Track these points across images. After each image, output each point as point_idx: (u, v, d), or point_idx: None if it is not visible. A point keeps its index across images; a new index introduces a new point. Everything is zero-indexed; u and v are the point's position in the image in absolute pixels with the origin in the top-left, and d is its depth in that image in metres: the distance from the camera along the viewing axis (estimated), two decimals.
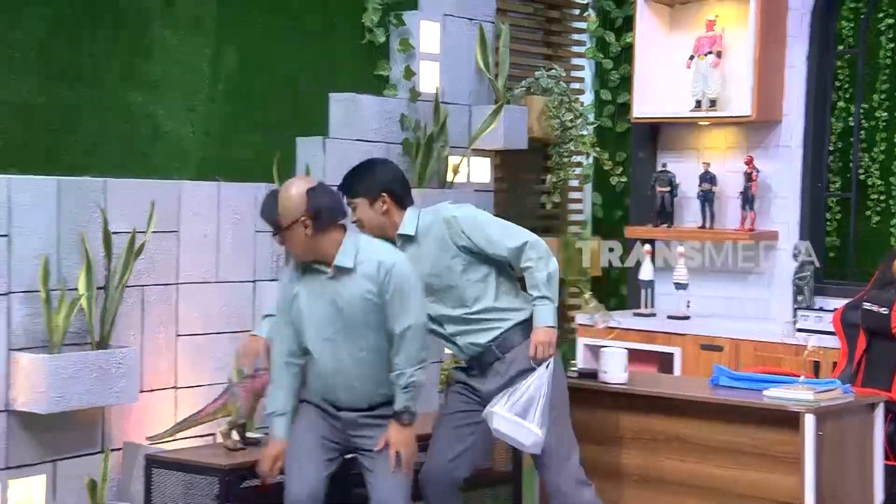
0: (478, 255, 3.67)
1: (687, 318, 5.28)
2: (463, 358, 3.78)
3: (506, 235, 3.67)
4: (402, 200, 3.71)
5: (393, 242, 3.66)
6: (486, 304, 3.68)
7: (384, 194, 3.66)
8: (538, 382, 3.56)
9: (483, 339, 3.68)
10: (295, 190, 3.45)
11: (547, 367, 3.59)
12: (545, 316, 3.61)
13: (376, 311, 3.45)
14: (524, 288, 3.73)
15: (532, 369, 3.60)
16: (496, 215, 5.32)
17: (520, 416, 3.53)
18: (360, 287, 3.44)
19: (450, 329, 3.71)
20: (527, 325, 3.66)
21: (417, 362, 3.43)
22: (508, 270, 3.77)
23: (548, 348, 3.59)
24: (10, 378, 3.62)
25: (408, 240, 3.69)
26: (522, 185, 5.70)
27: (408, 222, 3.70)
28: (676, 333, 5.20)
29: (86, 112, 3.96)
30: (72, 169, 3.91)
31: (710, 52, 5.34)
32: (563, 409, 3.72)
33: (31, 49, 3.79)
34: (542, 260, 3.62)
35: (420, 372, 3.44)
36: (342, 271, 3.45)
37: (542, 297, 3.61)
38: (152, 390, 4.04)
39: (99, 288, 3.79)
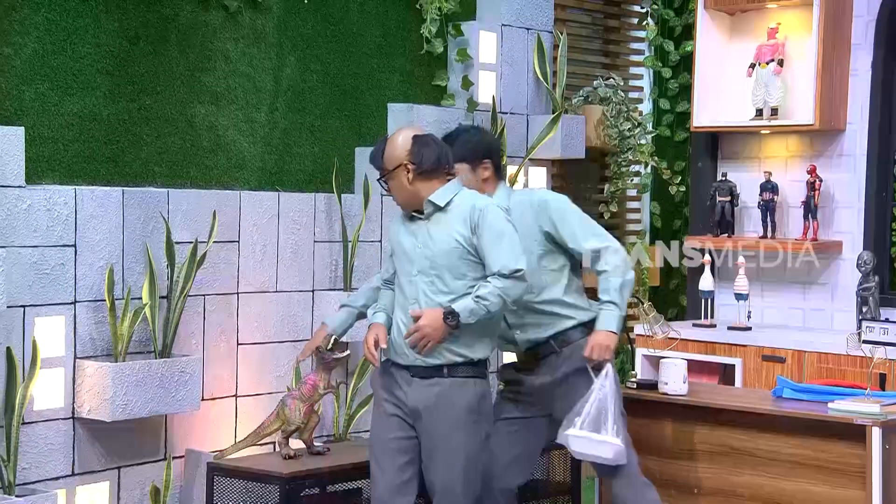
0: (557, 246, 3.66)
1: (748, 328, 5.21)
2: (515, 352, 3.75)
3: (590, 234, 3.66)
4: (497, 170, 3.73)
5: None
6: (554, 296, 3.66)
7: (486, 161, 3.68)
8: (602, 392, 3.52)
9: (543, 334, 3.67)
10: (402, 136, 3.51)
11: (606, 375, 3.54)
12: (610, 321, 3.58)
13: (463, 258, 3.40)
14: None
15: (584, 370, 3.56)
16: None
17: (595, 431, 3.48)
18: (451, 228, 3.43)
19: (511, 319, 3.67)
20: (589, 327, 3.64)
21: (506, 294, 3.36)
22: (580, 269, 3.75)
23: (605, 352, 3.55)
24: (76, 386, 3.68)
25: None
26: (580, 195, 5.67)
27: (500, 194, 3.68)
28: (737, 344, 5.14)
29: (149, 123, 4.02)
30: (135, 179, 3.97)
31: (772, 60, 5.28)
32: (624, 416, 3.69)
33: (96, 62, 3.86)
34: (619, 268, 3.59)
35: (499, 302, 3.36)
36: (436, 209, 3.45)
37: (611, 303, 3.59)
38: (214, 398, 4.08)
39: (162, 297, 3.84)
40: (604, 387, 3.52)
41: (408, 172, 3.46)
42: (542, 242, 3.64)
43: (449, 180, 3.50)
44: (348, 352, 3.88)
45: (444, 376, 3.41)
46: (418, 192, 3.47)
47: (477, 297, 3.36)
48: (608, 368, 3.55)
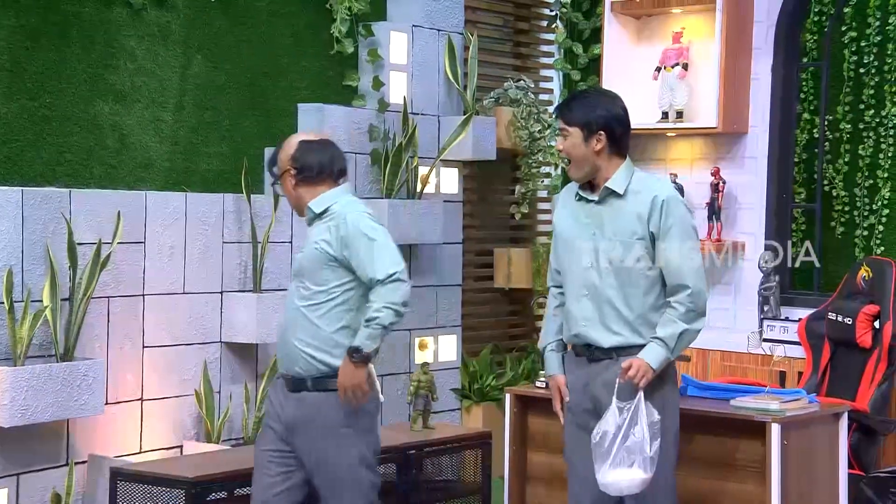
0: (653, 251, 3.30)
1: None
2: (569, 340, 3.42)
3: (687, 262, 3.28)
4: (619, 145, 3.30)
5: (591, 187, 3.31)
6: (639, 307, 3.29)
7: (602, 132, 3.28)
8: (631, 424, 3.18)
9: (607, 340, 3.30)
10: (291, 141, 3.45)
11: (624, 410, 3.19)
12: (654, 356, 3.24)
13: (325, 263, 3.30)
14: None
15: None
16: (465, 227, 5.40)
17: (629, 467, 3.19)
18: (318, 234, 3.35)
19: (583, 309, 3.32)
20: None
21: (389, 302, 3.24)
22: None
23: (639, 379, 3.20)
24: None
25: (612, 194, 3.31)
26: (491, 196, 5.71)
27: (620, 176, 3.29)
28: None
29: (52, 122, 3.93)
30: (36, 179, 3.88)
31: (677, 64, 5.38)
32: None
33: None
34: (691, 313, 3.26)
35: (389, 314, 3.24)
36: (314, 216, 3.39)
37: (663, 343, 3.25)
38: (118, 402, 4.01)
39: (64, 299, 3.76)
40: (633, 418, 3.18)
41: (291, 178, 3.41)
42: (645, 241, 3.27)
43: (339, 185, 3.42)
44: None
45: (309, 390, 3.31)
46: (302, 198, 3.41)
47: (367, 321, 3.26)
48: (636, 402, 3.19)
